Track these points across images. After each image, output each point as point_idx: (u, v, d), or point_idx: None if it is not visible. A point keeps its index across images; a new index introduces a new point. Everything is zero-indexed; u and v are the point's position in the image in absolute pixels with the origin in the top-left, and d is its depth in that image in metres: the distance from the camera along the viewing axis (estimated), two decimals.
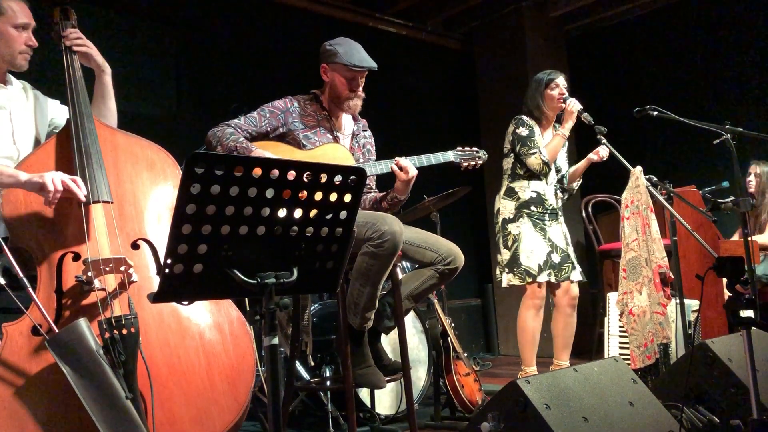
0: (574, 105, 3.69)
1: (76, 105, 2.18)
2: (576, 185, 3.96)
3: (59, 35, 2.34)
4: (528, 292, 3.68)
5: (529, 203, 3.74)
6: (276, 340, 1.59)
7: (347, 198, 1.72)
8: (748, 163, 4.65)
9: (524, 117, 3.82)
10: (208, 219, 1.48)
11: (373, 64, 2.84)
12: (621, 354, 3.50)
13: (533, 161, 3.71)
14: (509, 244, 3.74)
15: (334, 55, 2.83)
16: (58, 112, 2.47)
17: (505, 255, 3.75)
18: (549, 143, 3.77)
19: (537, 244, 3.68)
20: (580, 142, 5.29)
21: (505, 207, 3.80)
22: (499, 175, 3.97)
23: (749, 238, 3.06)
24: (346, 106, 2.88)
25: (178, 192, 1.43)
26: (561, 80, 3.80)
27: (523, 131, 3.77)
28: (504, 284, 3.75)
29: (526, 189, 3.76)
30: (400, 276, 2.88)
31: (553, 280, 3.66)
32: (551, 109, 3.80)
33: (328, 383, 3.14)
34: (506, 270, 3.73)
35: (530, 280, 3.65)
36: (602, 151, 3.71)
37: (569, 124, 3.74)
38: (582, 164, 3.84)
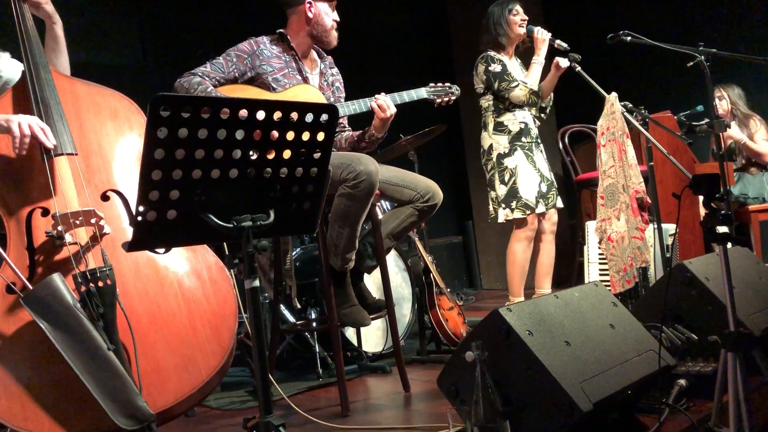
0: (544, 33, 3.74)
1: (30, 55, 2.08)
2: (549, 102, 3.93)
3: None
4: (525, 224, 3.70)
5: (520, 135, 3.74)
6: (257, 283, 1.58)
7: (320, 137, 1.69)
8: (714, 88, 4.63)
9: (491, 53, 3.79)
10: (177, 163, 1.44)
11: None
12: (601, 281, 3.55)
13: (519, 93, 3.70)
14: (506, 178, 3.71)
15: None
16: (7, 68, 2.35)
17: (501, 190, 3.72)
18: (528, 73, 3.78)
19: (532, 175, 3.70)
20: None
21: (498, 142, 3.76)
22: (475, 112, 3.93)
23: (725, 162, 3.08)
24: (332, 38, 2.86)
25: (144, 137, 1.39)
26: (519, 7, 3.81)
27: (496, 67, 3.75)
28: (501, 219, 3.72)
29: (514, 121, 3.75)
30: (380, 216, 2.88)
31: (544, 209, 3.69)
32: (515, 35, 3.80)
33: (314, 325, 3.16)
34: (503, 205, 3.71)
35: (529, 212, 3.67)
36: (562, 62, 3.68)
37: (543, 51, 3.76)
38: (549, 77, 3.80)
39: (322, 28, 2.83)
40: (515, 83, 3.70)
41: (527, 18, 3.81)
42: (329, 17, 2.83)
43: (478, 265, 6.32)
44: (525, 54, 3.98)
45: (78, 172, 1.98)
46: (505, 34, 3.79)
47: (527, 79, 3.75)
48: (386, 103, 2.71)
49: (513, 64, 3.86)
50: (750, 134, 4.55)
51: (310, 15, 2.81)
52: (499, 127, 3.77)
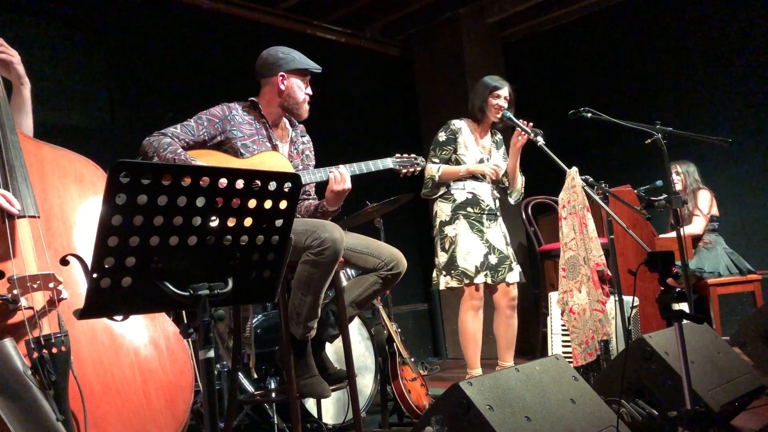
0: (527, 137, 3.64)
1: None
2: (520, 185, 3.94)
3: None
4: (466, 294, 3.70)
5: (465, 204, 3.78)
6: (212, 354, 1.54)
7: (283, 205, 1.69)
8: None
9: (454, 123, 3.87)
10: (135, 230, 1.42)
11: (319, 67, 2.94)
12: (564, 352, 3.56)
13: (427, 170, 3.79)
14: (446, 246, 3.76)
15: (293, 61, 2.85)
16: None
17: (442, 258, 3.77)
18: (448, 168, 3.80)
19: (474, 245, 3.71)
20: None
21: (441, 209, 3.84)
22: None
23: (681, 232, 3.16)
24: (303, 111, 2.91)
25: (102, 203, 1.38)
26: (504, 91, 3.83)
27: (441, 136, 3.87)
28: (441, 287, 3.76)
29: (461, 190, 3.81)
30: (344, 283, 2.86)
31: (489, 281, 3.69)
32: (492, 115, 3.83)
33: (272, 395, 3.08)
34: (443, 272, 3.75)
35: (467, 281, 3.66)
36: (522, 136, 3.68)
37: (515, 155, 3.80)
38: (511, 160, 3.85)
39: (293, 100, 2.87)
40: (437, 160, 3.81)
41: (504, 106, 3.80)
42: (302, 91, 2.88)
43: (443, 333, 6.29)
44: (505, 131, 4.06)
45: (39, 234, 1.95)
46: (481, 111, 3.83)
47: (443, 167, 3.79)
48: (341, 176, 2.72)
49: (471, 137, 3.87)
50: (691, 209, 4.69)
51: (282, 87, 2.85)
52: (446, 195, 3.84)
